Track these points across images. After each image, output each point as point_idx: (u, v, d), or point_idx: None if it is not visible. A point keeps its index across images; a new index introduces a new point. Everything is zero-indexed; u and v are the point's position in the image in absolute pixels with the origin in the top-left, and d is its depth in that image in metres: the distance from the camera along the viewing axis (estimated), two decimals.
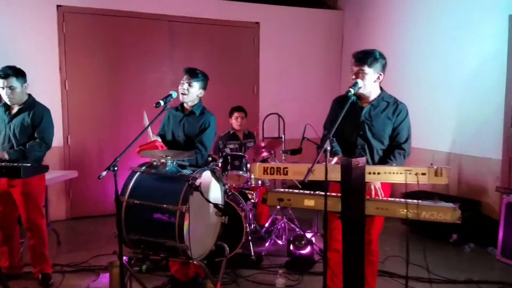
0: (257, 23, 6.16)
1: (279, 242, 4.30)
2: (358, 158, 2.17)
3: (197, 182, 2.57)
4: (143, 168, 2.81)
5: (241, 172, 4.10)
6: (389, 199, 2.33)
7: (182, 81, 3.26)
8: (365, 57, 2.61)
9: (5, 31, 4.91)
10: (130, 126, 5.52)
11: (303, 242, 3.73)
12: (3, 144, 3.24)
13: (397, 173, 2.23)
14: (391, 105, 2.73)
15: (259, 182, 4.28)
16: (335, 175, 2.32)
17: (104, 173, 2.46)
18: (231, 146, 4.74)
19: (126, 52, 5.49)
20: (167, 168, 2.78)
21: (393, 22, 5.59)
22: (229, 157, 4.15)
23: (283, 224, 4.41)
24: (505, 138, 4.18)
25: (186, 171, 2.77)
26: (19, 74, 3.22)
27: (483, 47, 4.39)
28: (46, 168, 3.04)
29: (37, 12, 5.03)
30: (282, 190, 2.55)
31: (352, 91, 2.51)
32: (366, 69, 2.62)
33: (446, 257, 4.07)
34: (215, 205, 2.66)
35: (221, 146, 4.44)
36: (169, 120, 3.36)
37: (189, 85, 3.22)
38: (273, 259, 3.94)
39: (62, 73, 5.20)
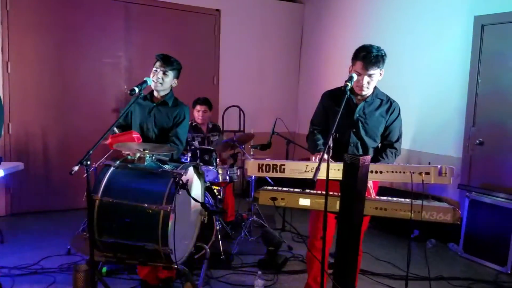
0: (218, 10, 5.93)
1: (249, 239, 4.15)
2: (365, 156, 2.07)
3: (184, 179, 2.35)
4: (118, 162, 2.53)
5: (211, 168, 3.90)
6: (390, 198, 2.27)
7: (155, 69, 2.96)
8: (379, 60, 2.50)
9: None
10: (79, 113, 5.10)
11: (275, 240, 3.61)
12: None
13: (401, 172, 2.17)
14: (384, 103, 2.68)
15: (227, 177, 4.10)
16: (333, 173, 2.20)
17: (76, 168, 2.17)
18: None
19: (77, 34, 5.03)
20: (145, 163, 2.52)
21: (356, 19, 5.61)
22: (198, 151, 3.93)
23: (250, 221, 4.27)
24: (466, 137, 4.34)
25: (168, 167, 2.53)
26: None
27: (447, 47, 4.51)
28: None
29: None
30: (275, 188, 2.40)
31: (350, 85, 2.41)
32: (377, 71, 2.53)
33: (411, 253, 4.15)
34: (203, 205, 2.45)
35: (189, 139, 4.18)
36: (135, 110, 3.05)
37: (164, 73, 2.94)
38: (243, 258, 3.79)
39: (4, 54, 4.66)
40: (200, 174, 2.79)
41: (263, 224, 4.35)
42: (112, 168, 2.48)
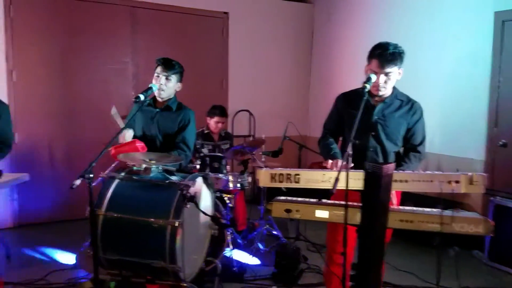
0: (226, 13, 5.79)
1: (261, 250, 3.98)
2: (389, 165, 1.90)
3: (191, 191, 2.19)
4: (122, 174, 2.38)
5: (220, 175, 3.75)
6: (416, 209, 2.09)
7: (157, 74, 2.83)
8: (396, 57, 2.34)
9: None
10: (86, 121, 4.99)
11: (290, 252, 3.43)
12: None
13: (428, 181, 1.99)
14: (405, 104, 2.50)
15: (237, 185, 3.94)
16: (352, 182, 2.03)
17: (77, 182, 2.02)
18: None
19: (83, 40, 4.92)
20: (151, 174, 2.37)
21: (369, 18, 5.43)
22: (207, 159, 3.78)
23: (264, 231, 4.09)
24: (489, 138, 4.13)
25: (175, 178, 2.38)
26: None
27: (467, 45, 4.31)
28: None
29: None
30: (289, 199, 2.24)
31: (368, 87, 2.24)
32: (395, 70, 2.36)
33: (433, 262, 3.93)
34: (214, 219, 2.29)
35: (198, 146, 4.03)
36: (137, 117, 2.90)
37: (167, 78, 2.81)
38: (256, 270, 3.61)
39: (8, 62, 4.56)
40: (209, 185, 2.63)
41: (276, 234, 4.17)
42: (116, 181, 2.33)
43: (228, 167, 3.95)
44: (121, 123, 2.73)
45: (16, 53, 4.59)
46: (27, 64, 4.67)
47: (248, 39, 5.95)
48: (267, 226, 4.12)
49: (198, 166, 3.71)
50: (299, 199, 2.26)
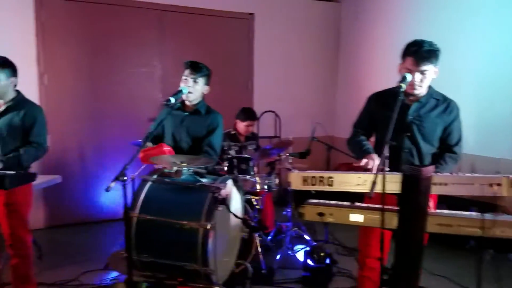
0: (251, 14, 5.77)
1: (290, 252, 3.94)
2: (428, 167, 1.84)
3: (223, 194, 2.18)
4: (154, 176, 2.39)
5: (248, 177, 3.73)
6: (454, 212, 2.01)
7: (185, 77, 2.85)
8: (432, 55, 2.27)
9: None
10: (114, 124, 5.06)
11: (322, 255, 3.39)
12: None
13: (468, 184, 1.91)
14: (441, 103, 2.42)
15: (265, 187, 3.91)
16: (390, 186, 1.97)
17: (112, 185, 2.04)
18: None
19: (112, 44, 4.99)
20: (182, 177, 2.37)
21: (398, 16, 5.31)
22: (234, 160, 3.77)
23: (293, 233, 4.05)
24: None
25: (206, 180, 2.37)
26: (6, 65, 2.78)
27: (503, 39, 4.15)
28: (33, 177, 2.58)
29: None
30: (322, 202, 2.19)
31: (404, 86, 2.18)
32: (431, 68, 2.29)
33: (468, 266, 3.82)
34: (244, 221, 2.27)
35: (225, 148, 4.03)
36: (167, 120, 2.92)
37: (194, 81, 2.83)
38: (286, 273, 3.58)
39: (40, 66, 4.65)
40: (239, 187, 2.62)
41: (305, 236, 4.13)
42: (149, 183, 2.35)
43: (255, 169, 3.92)
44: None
45: (47, 57, 4.69)
46: (58, 67, 4.76)
47: (273, 40, 5.92)
48: (296, 228, 4.08)
49: (225, 168, 3.72)
50: (332, 202, 2.22)
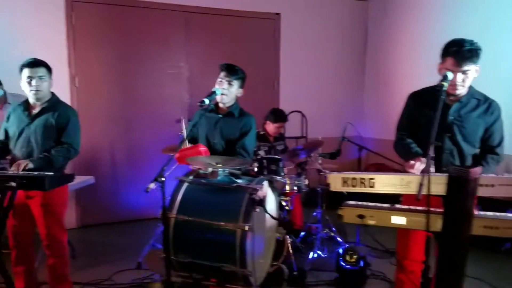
0: (278, 14, 5.75)
1: (321, 254, 3.90)
2: (476, 168, 1.78)
3: (260, 195, 2.17)
4: (191, 177, 2.39)
5: (278, 178, 3.70)
6: (499, 214, 1.94)
7: (220, 79, 2.87)
8: (473, 54, 2.22)
9: (9, 23, 4.44)
10: (143, 125, 5.11)
11: (355, 256, 3.34)
12: (22, 149, 2.79)
13: None
14: (482, 103, 2.35)
15: (294, 188, 3.88)
16: (434, 187, 1.92)
17: (152, 186, 2.06)
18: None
19: (140, 46, 5.04)
20: (218, 178, 2.37)
21: (427, 14, 5.20)
22: (264, 161, 3.75)
23: (324, 234, 4.01)
24: None
25: (242, 181, 2.36)
26: (49, 67, 2.85)
27: None
28: (71, 178, 2.61)
29: (42, 1, 4.55)
30: (361, 204, 2.15)
31: (446, 85, 2.12)
32: (473, 67, 2.24)
33: (504, 269, 3.72)
34: (282, 223, 2.26)
35: (255, 148, 4.01)
36: (201, 122, 2.94)
37: (229, 84, 2.84)
38: (317, 275, 3.54)
39: (71, 68, 4.74)
40: (274, 188, 2.60)
41: (336, 238, 4.08)
42: (186, 184, 2.35)
43: (285, 169, 3.89)
44: (185, 131, 2.79)
45: (78, 59, 4.77)
46: (88, 69, 4.83)
47: (299, 39, 5.89)
48: (326, 230, 4.03)
49: (256, 169, 3.71)
50: (370, 204, 2.17)
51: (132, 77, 5.06)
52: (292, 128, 5.87)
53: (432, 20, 5.10)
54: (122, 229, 4.88)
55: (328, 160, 4.14)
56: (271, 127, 4.25)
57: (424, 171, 1.79)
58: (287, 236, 3.51)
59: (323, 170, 3.92)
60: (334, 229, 4.17)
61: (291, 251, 3.53)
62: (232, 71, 2.84)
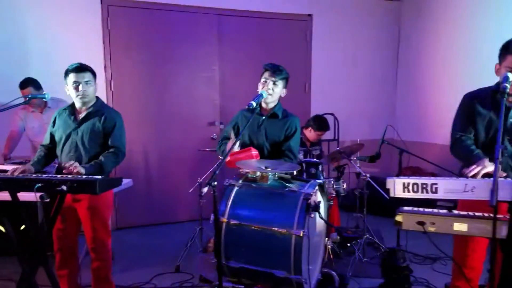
0: (310, 15, 5.70)
1: (362, 259, 3.81)
2: None
3: (316, 201, 2.12)
4: (241, 181, 2.36)
5: (324, 181, 3.64)
6: None
7: (264, 79, 2.84)
8: None
9: (45, 27, 4.50)
10: (176, 128, 5.12)
11: (401, 261, 3.24)
12: (69, 153, 2.80)
13: None
14: None
15: (333, 191, 3.82)
16: (503, 193, 1.84)
17: (205, 190, 2.03)
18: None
19: (173, 49, 5.05)
20: (268, 182, 2.33)
21: (463, 14, 5.06)
22: (304, 165, 3.70)
23: (363, 240, 3.92)
24: None
25: (293, 186, 2.32)
26: (93, 71, 2.86)
27: None
28: (120, 182, 2.61)
29: (79, 6, 4.60)
30: (420, 210, 2.08)
31: (509, 86, 2.04)
32: None
33: None
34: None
35: None
36: (242, 124, 2.90)
37: (274, 84, 2.81)
38: (359, 281, 3.46)
39: (107, 72, 4.78)
40: (324, 193, 2.55)
41: (377, 242, 3.99)
42: (236, 188, 2.32)
43: (324, 173, 3.84)
44: (233, 134, 2.77)
45: (113, 64, 4.81)
46: (123, 73, 4.87)
47: (331, 41, 5.82)
48: (366, 234, 3.95)
49: (295, 172, 3.66)
50: (427, 210, 2.11)
51: (165, 80, 5.07)
52: None
53: (468, 20, 4.96)
54: (157, 232, 4.90)
55: (365, 163, 4.06)
56: (312, 134, 4.21)
57: (490, 176, 1.70)
58: (328, 241, 3.46)
59: (364, 174, 3.84)
60: (373, 234, 4.08)
61: (331, 256, 3.47)
62: (277, 71, 2.82)
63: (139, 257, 4.10)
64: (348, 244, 3.88)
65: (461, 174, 2.29)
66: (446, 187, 1.95)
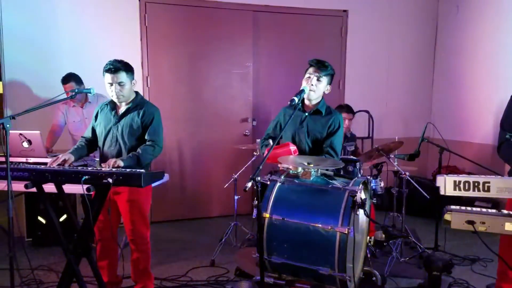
0: (345, 11, 5.62)
1: (400, 259, 3.74)
2: None
3: (362, 198, 2.09)
4: (283, 177, 2.35)
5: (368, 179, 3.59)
6: None
7: (308, 75, 2.81)
8: None
9: (85, 25, 4.60)
10: (210, 124, 5.15)
11: (440, 262, 3.17)
12: (110, 147, 2.87)
13: None
14: None
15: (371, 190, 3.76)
16: None
17: (249, 185, 2.03)
18: None
19: (208, 46, 5.08)
20: (311, 178, 2.31)
21: (504, 8, 4.87)
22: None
23: (400, 239, 3.85)
24: None
25: (337, 182, 2.29)
26: (129, 69, 2.86)
27: None
28: (162, 175, 2.64)
29: (118, 3, 4.69)
30: (469, 209, 2.02)
31: None
32: None
33: None
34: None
35: None
36: (285, 120, 2.88)
37: (318, 79, 2.78)
38: (397, 281, 3.40)
39: (144, 69, 4.85)
40: (367, 190, 2.51)
41: (414, 241, 3.91)
42: (278, 184, 2.31)
43: (361, 171, 3.78)
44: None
45: (150, 60, 4.87)
46: (159, 70, 4.93)
47: (366, 37, 5.73)
48: (404, 234, 3.87)
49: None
50: (475, 209, 2.04)
51: (200, 77, 5.11)
52: (358, 128, 5.72)
53: (509, 15, 4.78)
54: (191, 226, 4.96)
55: (405, 161, 3.98)
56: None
57: None
58: (369, 239, 3.40)
59: (403, 172, 3.77)
60: (411, 234, 4.00)
61: (368, 254, 3.42)
62: (322, 66, 2.79)
63: (174, 250, 4.15)
64: (385, 244, 3.82)
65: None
66: (499, 186, 1.89)
